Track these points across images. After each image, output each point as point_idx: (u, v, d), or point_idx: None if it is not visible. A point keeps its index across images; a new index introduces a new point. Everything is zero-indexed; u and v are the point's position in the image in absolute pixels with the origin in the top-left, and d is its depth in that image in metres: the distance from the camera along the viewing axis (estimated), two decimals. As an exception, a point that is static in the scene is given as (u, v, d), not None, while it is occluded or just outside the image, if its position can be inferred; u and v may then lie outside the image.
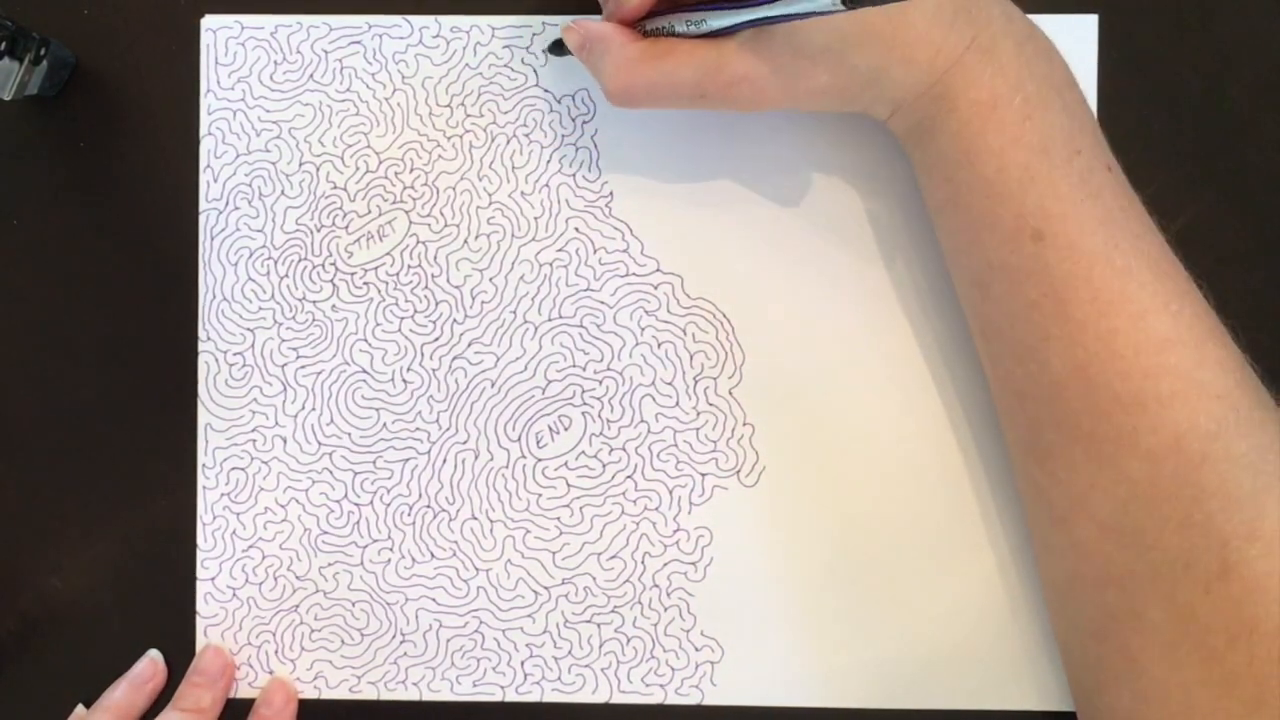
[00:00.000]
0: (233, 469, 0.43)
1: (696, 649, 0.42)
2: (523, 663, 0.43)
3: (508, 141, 0.43)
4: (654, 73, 0.37)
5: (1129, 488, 0.35)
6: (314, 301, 0.43)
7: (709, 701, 0.42)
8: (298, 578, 0.43)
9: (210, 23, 0.43)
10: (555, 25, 0.43)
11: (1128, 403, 0.35)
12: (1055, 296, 0.35)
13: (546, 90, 0.43)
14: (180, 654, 0.43)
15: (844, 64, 0.35)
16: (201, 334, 0.43)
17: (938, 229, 0.39)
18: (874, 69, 0.35)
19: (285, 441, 0.43)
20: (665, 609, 0.43)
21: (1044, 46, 0.37)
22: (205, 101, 0.43)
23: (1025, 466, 0.38)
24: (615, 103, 0.38)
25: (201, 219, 0.43)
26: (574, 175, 0.43)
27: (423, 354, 0.43)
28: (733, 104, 0.37)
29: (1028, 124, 0.35)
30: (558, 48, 0.42)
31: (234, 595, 0.43)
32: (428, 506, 0.43)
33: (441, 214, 0.43)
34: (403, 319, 0.43)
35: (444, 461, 0.43)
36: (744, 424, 0.43)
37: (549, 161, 0.43)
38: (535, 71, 0.43)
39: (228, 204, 0.43)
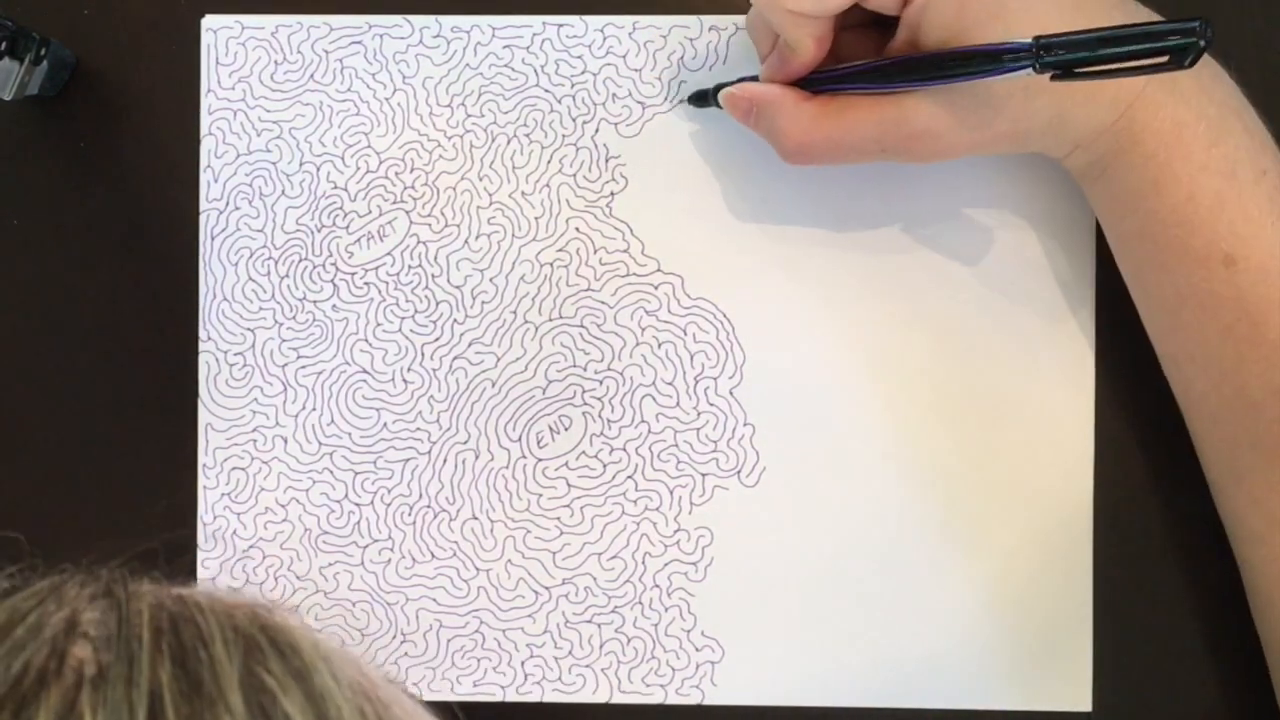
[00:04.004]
0: (233, 469, 0.43)
1: (696, 649, 0.42)
2: (523, 663, 0.43)
3: (508, 141, 0.43)
4: (834, 130, 0.36)
5: None
6: (314, 301, 0.43)
7: (709, 701, 0.42)
8: (298, 578, 0.43)
9: (210, 23, 0.43)
10: (556, 25, 0.43)
11: None
12: (1249, 320, 0.35)
13: (546, 90, 0.43)
14: (180, 654, 0.43)
15: (1026, 109, 0.35)
16: (201, 334, 0.43)
17: (1122, 259, 0.38)
18: (1055, 112, 0.35)
19: (285, 441, 0.43)
20: (665, 609, 0.43)
21: (1216, 70, 0.36)
22: (205, 101, 0.43)
23: (1222, 488, 0.38)
24: (793, 161, 0.38)
25: (201, 219, 0.43)
26: (574, 175, 0.43)
27: (423, 354, 0.43)
28: (913, 156, 0.36)
29: (1214, 150, 0.35)
30: (699, 99, 0.42)
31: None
32: (428, 506, 0.43)
33: (442, 214, 0.43)
34: (403, 319, 0.43)
35: (444, 461, 0.43)
36: (744, 424, 0.43)
37: (549, 161, 0.43)
38: (535, 71, 0.43)
39: (228, 204, 0.43)
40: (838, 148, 0.37)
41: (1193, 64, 0.29)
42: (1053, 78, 0.30)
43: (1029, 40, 0.30)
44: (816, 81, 0.37)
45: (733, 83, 0.39)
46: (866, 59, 0.37)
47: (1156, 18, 0.34)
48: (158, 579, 0.27)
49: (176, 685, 0.23)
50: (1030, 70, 0.30)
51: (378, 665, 0.43)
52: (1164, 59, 0.29)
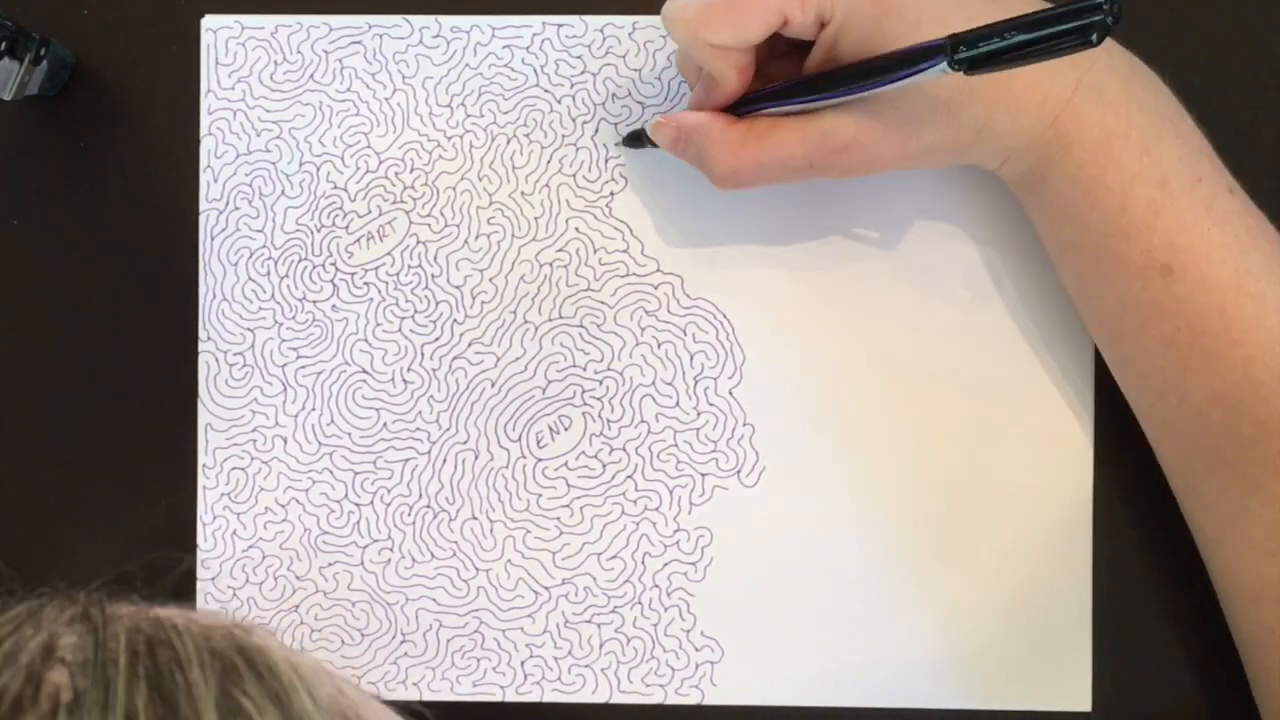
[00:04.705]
0: (233, 469, 0.43)
1: (696, 649, 0.42)
2: (523, 663, 0.43)
3: (508, 141, 0.43)
4: (761, 152, 0.36)
5: (1278, 510, 0.35)
6: (314, 301, 0.43)
7: (709, 701, 0.42)
8: (298, 578, 0.43)
9: (210, 23, 0.43)
10: (556, 25, 0.43)
11: (1271, 428, 0.35)
12: (1189, 329, 0.35)
13: (546, 90, 0.43)
14: (180, 654, 0.43)
15: (951, 121, 0.35)
16: (201, 334, 0.43)
17: (1060, 270, 0.39)
18: (982, 122, 0.35)
19: (285, 441, 0.43)
20: (665, 609, 0.43)
21: (1147, 77, 0.36)
22: (205, 101, 0.43)
23: (1177, 492, 0.39)
24: (723, 186, 0.38)
25: (201, 219, 0.43)
26: (574, 175, 0.43)
27: (423, 354, 0.43)
28: (843, 171, 0.36)
29: (1146, 159, 0.35)
30: (634, 140, 0.42)
31: (234, 595, 0.43)
32: (428, 506, 0.43)
33: (442, 214, 0.43)
34: (403, 319, 0.43)
35: (444, 461, 0.43)
36: (744, 424, 0.43)
37: (549, 161, 0.43)
38: (535, 71, 0.43)
39: (228, 204, 0.43)
40: (765, 168, 0.37)
41: (1099, 40, 0.28)
42: (967, 72, 0.30)
43: (942, 39, 0.30)
44: (742, 105, 0.38)
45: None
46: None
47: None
48: (136, 601, 0.27)
49: (152, 709, 0.23)
50: (945, 67, 0.30)
51: (372, 666, 0.43)
52: (1073, 40, 0.29)
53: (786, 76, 0.38)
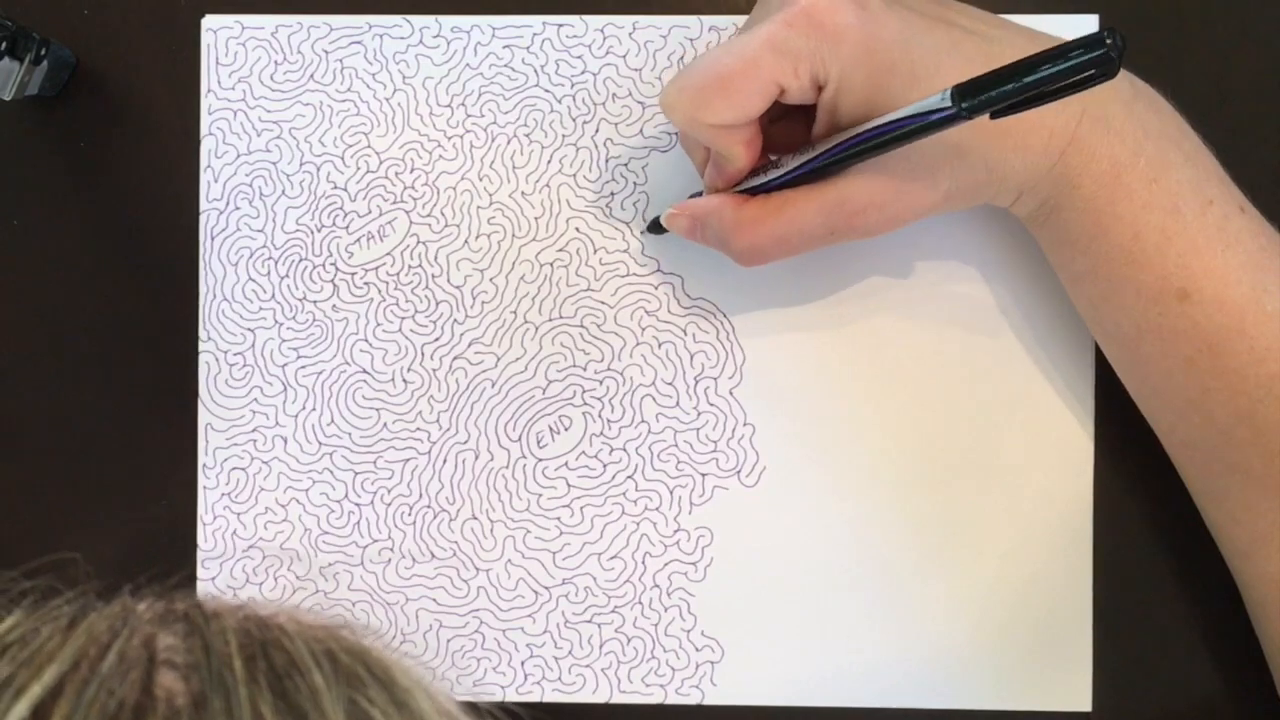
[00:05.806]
0: (233, 469, 0.43)
1: (696, 649, 0.42)
2: (523, 663, 0.43)
3: (508, 141, 0.43)
4: (780, 226, 0.36)
5: None
6: (314, 301, 0.43)
7: (709, 701, 0.42)
8: (298, 578, 0.43)
9: (210, 23, 0.43)
10: (556, 25, 0.43)
11: None
12: (1210, 351, 0.35)
13: (546, 90, 0.43)
14: (180, 654, 0.43)
15: (963, 165, 0.35)
16: (201, 334, 0.43)
17: (1075, 297, 0.39)
18: (991, 166, 0.35)
19: (285, 441, 0.43)
20: (665, 609, 0.43)
21: (1151, 100, 0.36)
22: (206, 101, 0.43)
23: (1203, 507, 0.39)
24: (747, 264, 0.38)
25: (202, 219, 0.43)
26: (574, 175, 0.43)
27: (423, 354, 0.43)
28: (864, 233, 0.36)
29: (1155, 186, 0.35)
30: (657, 226, 0.42)
31: (234, 595, 0.43)
32: (428, 506, 0.43)
33: (442, 214, 0.43)
34: (403, 319, 0.43)
35: (444, 461, 0.43)
36: (744, 424, 0.43)
37: (549, 161, 0.43)
38: (535, 71, 0.43)
39: (228, 204, 0.43)
40: (786, 240, 0.37)
41: (1113, 74, 0.28)
42: (992, 116, 0.30)
43: (947, 96, 0.30)
44: (757, 189, 0.37)
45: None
46: (798, 146, 0.37)
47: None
48: (239, 604, 0.26)
49: (279, 718, 0.22)
50: (960, 118, 0.30)
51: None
52: (1089, 73, 0.28)
53: (789, 139, 0.38)
